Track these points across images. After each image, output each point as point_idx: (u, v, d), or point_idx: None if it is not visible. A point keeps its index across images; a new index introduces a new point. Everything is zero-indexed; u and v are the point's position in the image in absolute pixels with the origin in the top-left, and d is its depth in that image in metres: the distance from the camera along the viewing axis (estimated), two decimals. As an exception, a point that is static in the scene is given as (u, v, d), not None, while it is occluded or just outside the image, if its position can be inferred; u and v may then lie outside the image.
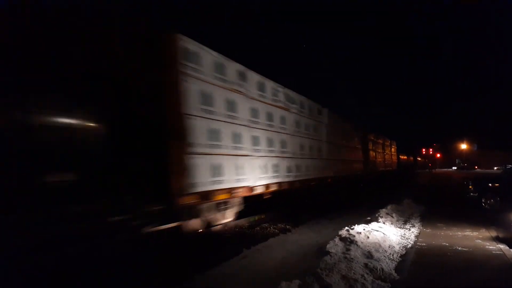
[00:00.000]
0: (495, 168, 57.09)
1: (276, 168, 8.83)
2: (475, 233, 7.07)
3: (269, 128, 8.76)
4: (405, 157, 39.19)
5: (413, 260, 5.23)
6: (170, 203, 5.64)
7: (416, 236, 6.89)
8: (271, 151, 8.70)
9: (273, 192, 8.65)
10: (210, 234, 7.37)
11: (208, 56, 6.64)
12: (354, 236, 6.07)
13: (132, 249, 5.79)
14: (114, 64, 5.28)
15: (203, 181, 6.15)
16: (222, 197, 6.66)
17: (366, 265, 4.71)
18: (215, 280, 4.48)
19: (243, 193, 7.37)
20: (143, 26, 5.82)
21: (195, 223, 6.41)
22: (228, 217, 7.27)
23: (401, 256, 5.55)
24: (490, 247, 5.94)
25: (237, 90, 7.49)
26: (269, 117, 8.81)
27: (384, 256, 5.36)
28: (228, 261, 5.24)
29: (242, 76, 7.75)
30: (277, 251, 5.88)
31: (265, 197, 8.46)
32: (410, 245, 6.19)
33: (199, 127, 6.17)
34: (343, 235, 6.18)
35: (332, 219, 8.90)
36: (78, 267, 4.81)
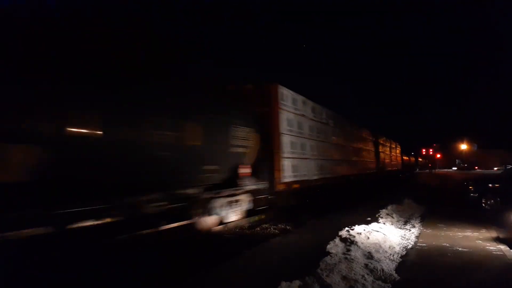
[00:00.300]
0: (495, 168, 57.09)
1: (322, 167, 12.03)
2: (475, 234, 7.06)
3: (318, 139, 12.05)
4: (408, 158, 41.20)
5: (413, 261, 5.23)
6: (274, 189, 9.05)
7: (417, 237, 6.88)
8: (320, 155, 12.00)
9: (319, 185, 11.70)
10: (210, 234, 7.38)
11: (290, 95, 10.10)
12: (354, 236, 6.06)
13: (132, 248, 5.80)
14: (257, 111, 9.11)
15: (288, 175, 9.48)
16: (295, 186, 9.94)
17: (366, 265, 4.71)
18: (215, 280, 4.47)
19: (305, 184, 10.56)
20: (264, 83, 9.63)
21: (281, 202, 9.63)
22: (296, 200, 10.24)
23: (402, 256, 5.54)
24: (490, 247, 5.93)
25: (302, 114, 10.92)
26: (318, 130, 12.16)
27: (384, 256, 5.35)
28: (228, 261, 5.24)
29: (304, 104, 11.15)
30: (277, 251, 5.87)
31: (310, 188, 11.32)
32: (410, 246, 6.19)
33: (285, 141, 9.56)
34: (344, 236, 6.18)
35: (332, 219, 8.89)
36: (76, 266, 4.81)
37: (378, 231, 6.64)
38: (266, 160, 9.00)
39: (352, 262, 4.71)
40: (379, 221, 7.94)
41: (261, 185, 8.90)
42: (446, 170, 69.75)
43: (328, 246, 5.52)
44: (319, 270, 4.36)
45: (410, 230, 7.54)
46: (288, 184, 9.49)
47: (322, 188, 11.95)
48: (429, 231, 7.45)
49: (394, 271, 4.68)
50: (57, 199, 4.26)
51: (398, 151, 32.24)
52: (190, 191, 6.69)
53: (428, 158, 71.83)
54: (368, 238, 6.11)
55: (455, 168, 74.55)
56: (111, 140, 4.60)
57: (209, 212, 7.38)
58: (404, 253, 5.75)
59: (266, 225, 8.54)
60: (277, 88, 9.40)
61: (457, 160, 77.15)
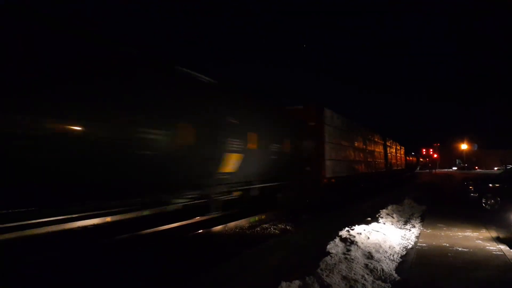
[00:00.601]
0: (495, 168, 57.12)
1: (348, 167, 15.42)
2: (475, 234, 7.07)
3: (346, 144, 15.28)
4: (410, 158, 46.37)
5: (413, 261, 5.23)
6: (321, 182, 12.52)
7: (417, 237, 6.89)
8: (347, 157, 15.40)
9: (346, 180, 15.07)
10: (210, 234, 7.39)
11: (329, 113, 13.45)
12: (354, 236, 6.06)
13: (132, 249, 5.81)
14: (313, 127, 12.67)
15: (328, 173, 12.78)
16: (333, 180, 13.14)
17: (366, 265, 4.71)
18: (215, 281, 4.47)
19: (338, 179, 13.70)
20: (314, 106, 13.02)
21: (323, 191, 12.79)
22: (331, 190, 13.39)
23: (402, 256, 5.55)
24: (490, 247, 5.94)
25: (335, 126, 14.14)
26: (346, 138, 15.37)
27: (384, 256, 5.35)
28: (228, 261, 5.24)
29: (337, 118, 14.42)
30: (277, 251, 5.88)
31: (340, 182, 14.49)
32: (410, 246, 6.19)
33: (327, 148, 12.87)
34: (344, 236, 6.18)
35: (332, 219, 8.90)
36: (77, 267, 4.82)
37: (378, 231, 6.65)
38: (316, 162, 12.38)
39: (352, 262, 4.72)
40: (379, 221, 7.95)
41: (314, 179, 12.47)
42: (446, 170, 69.73)
43: (328, 246, 5.53)
44: (319, 270, 4.36)
45: (410, 230, 7.54)
46: (329, 179, 12.85)
47: (347, 183, 15.72)
48: (429, 231, 7.45)
49: (394, 271, 4.68)
50: (244, 179, 8.41)
51: (402, 152, 36.74)
52: (280, 181, 10.27)
53: (428, 158, 71.81)
54: (368, 238, 6.11)
55: (455, 168, 74.56)
56: (261, 150, 8.60)
57: (286, 194, 11.04)
58: (404, 253, 5.75)
59: (266, 225, 8.55)
60: (323, 110, 13.03)
61: (457, 160, 77.16)
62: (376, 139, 22.35)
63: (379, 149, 23.40)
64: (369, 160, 19.73)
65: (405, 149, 38.80)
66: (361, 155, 18.07)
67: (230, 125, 7.42)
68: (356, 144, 17.11)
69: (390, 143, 27.79)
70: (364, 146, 18.91)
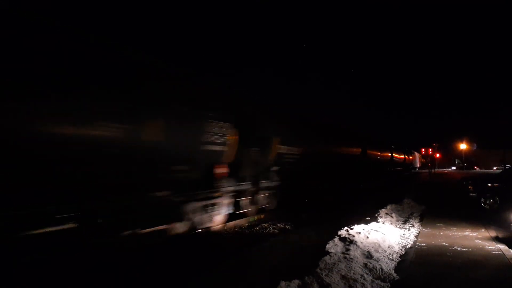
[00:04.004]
0: (495, 168, 57.19)
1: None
2: (474, 233, 7.07)
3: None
4: (423, 160, 69.71)
5: (412, 260, 5.24)
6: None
7: (416, 236, 6.89)
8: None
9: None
10: (209, 233, 7.39)
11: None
12: (353, 236, 6.07)
13: (130, 249, 5.80)
14: None
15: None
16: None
17: (365, 265, 4.71)
18: (214, 281, 4.47)
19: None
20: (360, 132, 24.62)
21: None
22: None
23: (401, 256, 5.55)
24: (489, 247, 5.94)
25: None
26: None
27: (383, 256, 5.36)
28: (227, 260, 5.24)
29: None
30: (276, 251, 5.88)
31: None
32: (409, 245, 6.20)
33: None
34: (343, 235, 6.18)
35: (332, 219, 8.90)
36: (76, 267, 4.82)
37: (377, 231, 6.65)
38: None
39: (351, 262, 4.72)
40: (378, 220, 7.96)
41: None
42: (446, 169, 69.79)
43: (328, 246, 5.53)
44: (318, 270, 4.36)
45: (409, 230, 7.55)
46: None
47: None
48: (428, 230, 7.46)
49: (393, 271, 4.68)
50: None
51: (419, 157, 64.81)
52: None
53: (428, 157, 71.91)
54: (368, 237, 6.12)
55: (454, 168, 74.63)
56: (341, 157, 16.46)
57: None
58: (403, 252, 5.76)
59: (266, 225, 8.54)
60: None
61: (456, 159, 77.18)
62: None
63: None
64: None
65: (407, 152, 57.57)
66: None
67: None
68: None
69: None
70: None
